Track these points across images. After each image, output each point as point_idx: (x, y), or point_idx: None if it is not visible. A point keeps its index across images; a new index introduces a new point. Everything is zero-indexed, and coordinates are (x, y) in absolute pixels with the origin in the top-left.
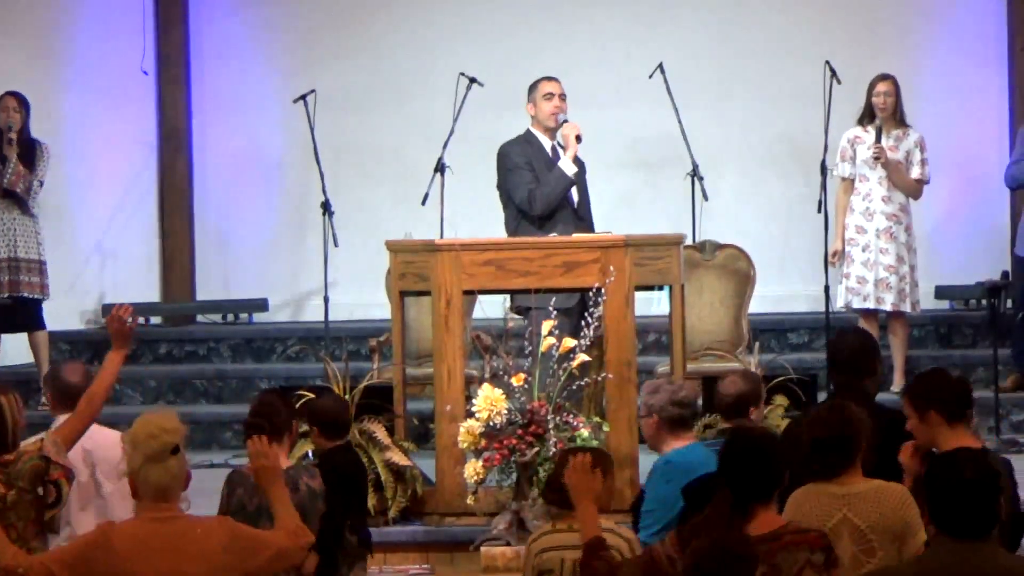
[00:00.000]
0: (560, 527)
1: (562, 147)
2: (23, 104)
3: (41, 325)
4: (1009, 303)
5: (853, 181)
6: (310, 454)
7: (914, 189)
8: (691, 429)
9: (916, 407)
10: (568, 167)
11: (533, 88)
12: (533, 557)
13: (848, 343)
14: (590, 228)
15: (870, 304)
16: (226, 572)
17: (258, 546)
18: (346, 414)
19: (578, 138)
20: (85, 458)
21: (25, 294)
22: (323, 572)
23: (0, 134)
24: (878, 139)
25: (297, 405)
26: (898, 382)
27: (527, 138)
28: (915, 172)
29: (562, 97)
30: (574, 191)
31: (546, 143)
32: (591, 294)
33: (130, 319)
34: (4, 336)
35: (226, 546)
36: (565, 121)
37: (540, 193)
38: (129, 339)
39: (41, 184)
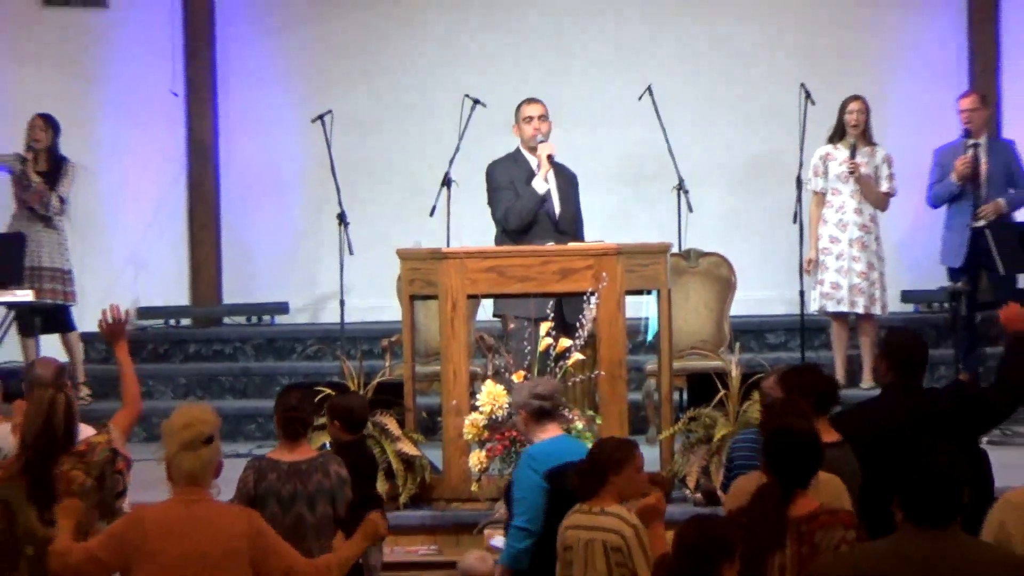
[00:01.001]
0: (593, 508)
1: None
2: (51, 125)
3: (71, 327)
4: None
5: (825, 195)
6: (327, 444)
7: (883, 201)
8: (555, 419)
9: (785, 392)
10: (539, 185)
11: (517, 111)
12: (561, 531)
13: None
14: (574, 238)
15: (844, 307)
16: (240, 560)
17: (279, 551)
18: (366, 412)
19: (550, 158)
20: None
21: (48, 300)
22: None
23: (27, 158)
24: (852, 155)
25: (316, 400)
26: (867, 378)
27: (515, 156)
28: (884, 186)
29: (541, 118)
30: (556, 204)
31: (532, 160)
32: (585, 298)
33: (123, 315)
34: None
35: (249, 536)
36: (542, 141)
37: (514, 210)
38: (123, 332)
39: (62, 199)
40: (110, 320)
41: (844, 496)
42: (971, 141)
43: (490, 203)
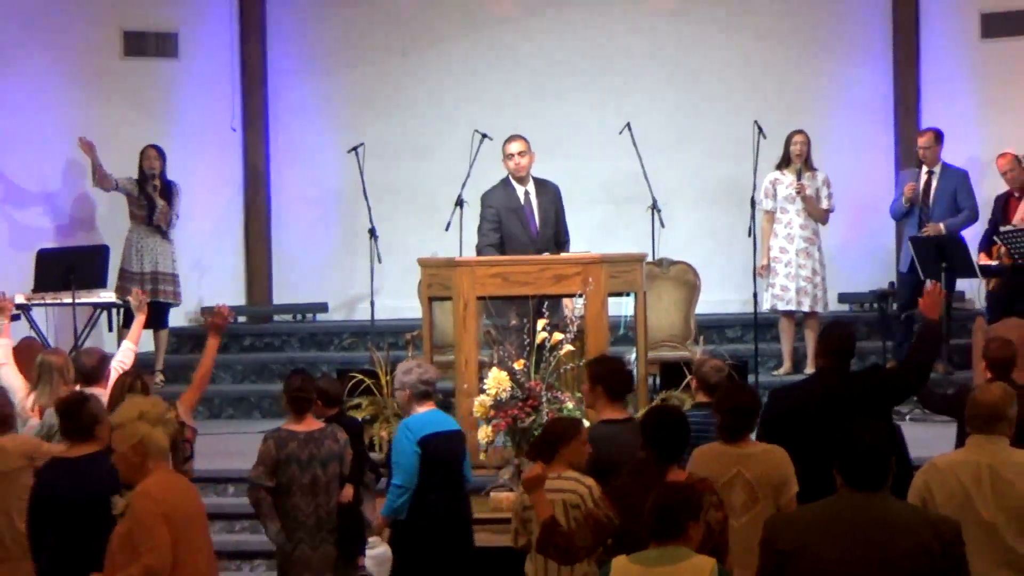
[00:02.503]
0: (550, 474)
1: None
2: (161, 154)
3: (166, 324)
4: (894, 306)
5: (775, 213)
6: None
7: (824, 216)
8: (431, 399)
9: (590, 379)
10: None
11: (503, 147)
12: (520, 495)
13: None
14: (552, 248)
15: (791, 307)
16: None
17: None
18: (340, 391)
19: None
20: None
21: (161, 300)
22: (356, 498)
23: (146, 179)
24: (799, 178)
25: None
26: (811, 365)
27: (505, 183)
28: (824, 204)
29: (521, 154)
30: (537, 222)
31: (519, 189)
32: (574, 299)
33: (230, 315)
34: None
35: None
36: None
37: (481, 248)
38: (223, 330)
39: (177, 216)
40: (223, 315)
41: (786, 463)
42: (922, 170)
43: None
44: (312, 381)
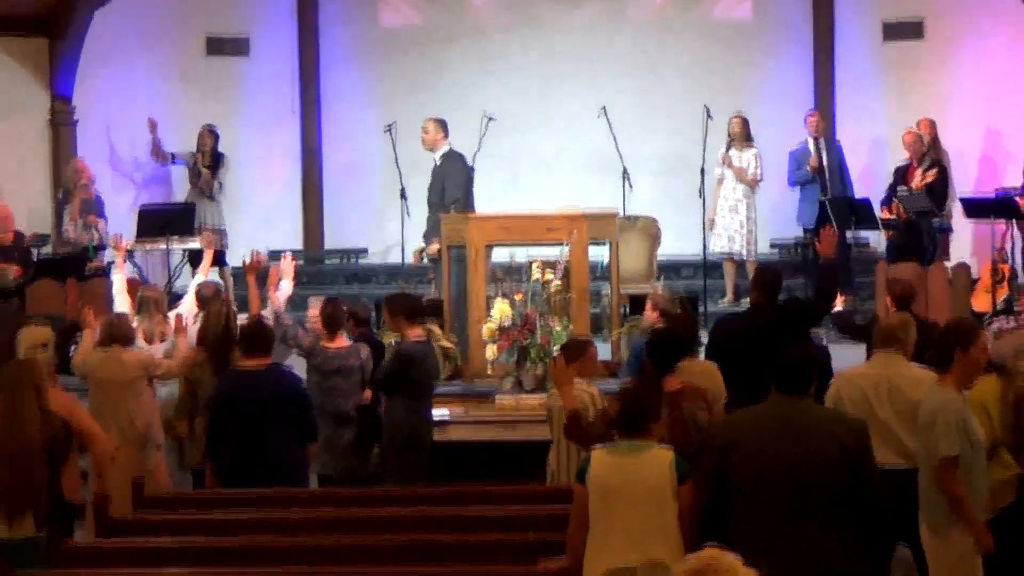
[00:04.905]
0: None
1: None
2: (213, 133)
3: (225, 265)
4: (811, 252)
5: (722, 179)
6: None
7: (751, 182)
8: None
9: (388, 311)
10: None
11: (442, 125)
12: (544, 402)
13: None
14: (443, 209)
15: (734, 252)
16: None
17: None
18: (367, 313)
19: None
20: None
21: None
22: (373, 399)
23: (197, 156)
24: (728, 151)
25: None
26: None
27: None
28: (751, 172)
29: (424, 131)
30: (437, 185)
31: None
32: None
33: (263, 259)
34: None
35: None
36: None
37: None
38: (259, 271)
39: (221, 183)
40: (258, 260)
41: (717, 377)
42: (815, 145)
43: (456, 186)
44: (342, 307)
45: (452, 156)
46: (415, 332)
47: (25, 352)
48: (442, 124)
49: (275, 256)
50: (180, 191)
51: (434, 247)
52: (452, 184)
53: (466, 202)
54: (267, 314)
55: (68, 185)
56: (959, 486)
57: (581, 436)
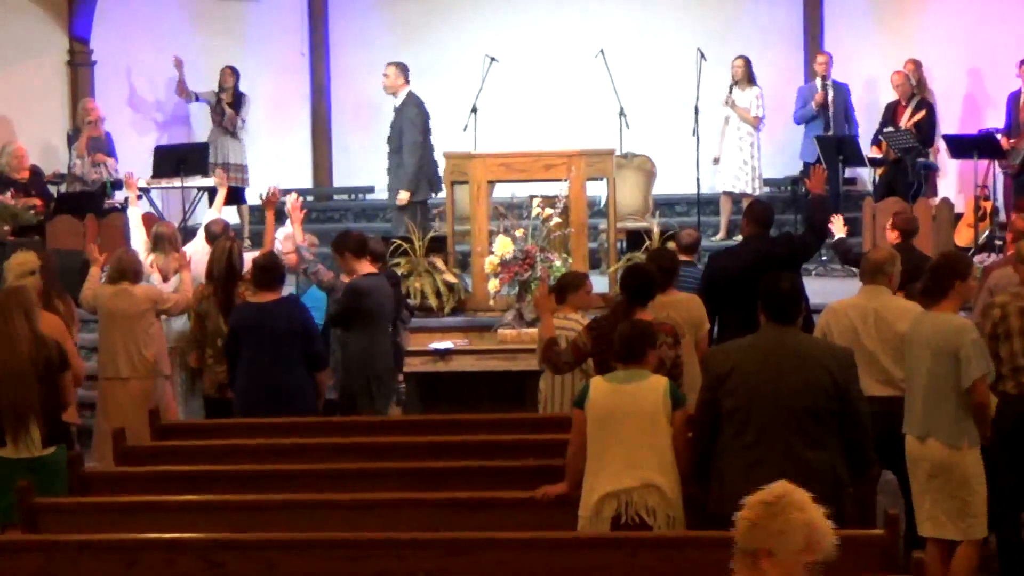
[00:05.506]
0: (558, 315)
1: None
2: (234, 72)
3: (244, 201)
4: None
5: (728, 119)
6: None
7: (753, 122)
8: (379, 261)
9: (335, 250)
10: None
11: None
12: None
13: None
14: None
15: (736, 189)
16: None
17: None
18: (383, 248)
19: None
20: None
21: (234, 184)
22: (394, 330)
23: (222, 92)
24: (730, 92)
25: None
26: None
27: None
28: (753, 112)
29: (385, 76)
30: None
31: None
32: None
33: (278, 193)
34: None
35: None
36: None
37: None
38: (275, 205)
39: (243, 121)
40: (274, 194)
41: (697, 309)
42: (823, 83)
43: (414, 130)
44: (364, 240)
45: (410, 100)
46: (364, 267)
47: (14, 279)
48: (403, 69)
49: (286, 194)
50: (199, 130)
51: (403, 196)
52: (410, 127)
53: (425, 144)
54: (280, 247)
55: (78, 123)
56: (990, 397)
57: (552, 362)
